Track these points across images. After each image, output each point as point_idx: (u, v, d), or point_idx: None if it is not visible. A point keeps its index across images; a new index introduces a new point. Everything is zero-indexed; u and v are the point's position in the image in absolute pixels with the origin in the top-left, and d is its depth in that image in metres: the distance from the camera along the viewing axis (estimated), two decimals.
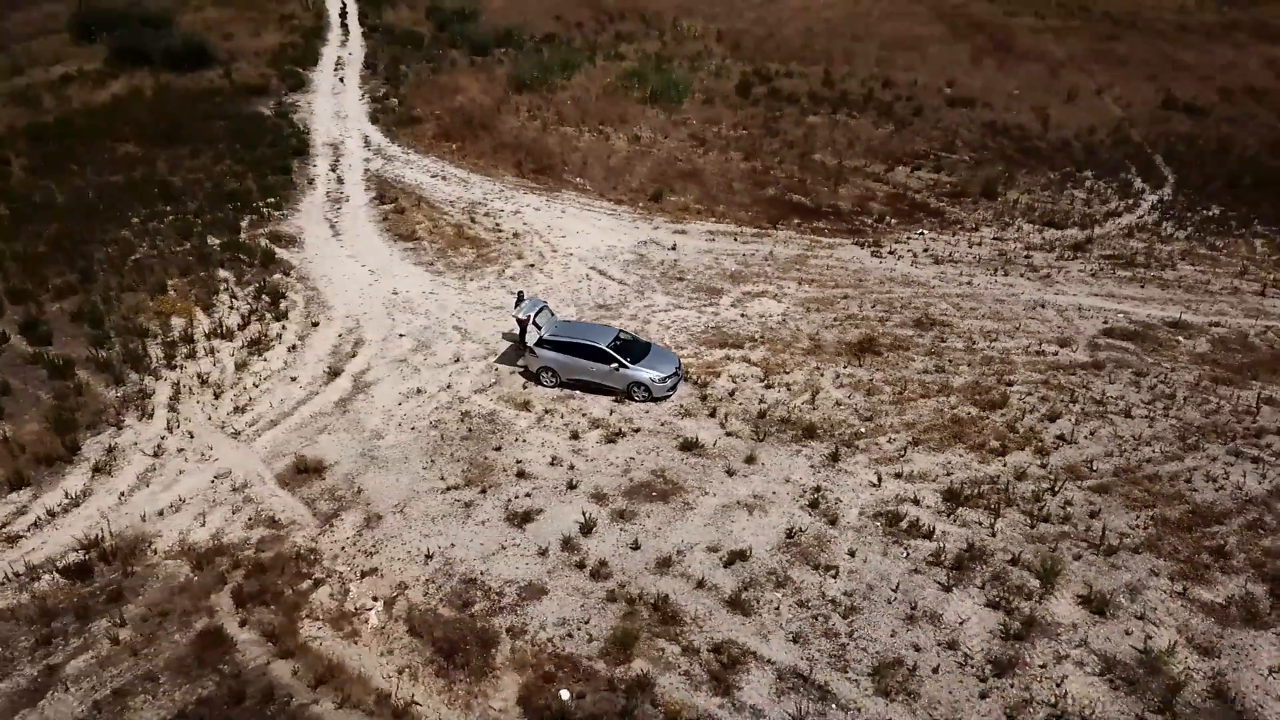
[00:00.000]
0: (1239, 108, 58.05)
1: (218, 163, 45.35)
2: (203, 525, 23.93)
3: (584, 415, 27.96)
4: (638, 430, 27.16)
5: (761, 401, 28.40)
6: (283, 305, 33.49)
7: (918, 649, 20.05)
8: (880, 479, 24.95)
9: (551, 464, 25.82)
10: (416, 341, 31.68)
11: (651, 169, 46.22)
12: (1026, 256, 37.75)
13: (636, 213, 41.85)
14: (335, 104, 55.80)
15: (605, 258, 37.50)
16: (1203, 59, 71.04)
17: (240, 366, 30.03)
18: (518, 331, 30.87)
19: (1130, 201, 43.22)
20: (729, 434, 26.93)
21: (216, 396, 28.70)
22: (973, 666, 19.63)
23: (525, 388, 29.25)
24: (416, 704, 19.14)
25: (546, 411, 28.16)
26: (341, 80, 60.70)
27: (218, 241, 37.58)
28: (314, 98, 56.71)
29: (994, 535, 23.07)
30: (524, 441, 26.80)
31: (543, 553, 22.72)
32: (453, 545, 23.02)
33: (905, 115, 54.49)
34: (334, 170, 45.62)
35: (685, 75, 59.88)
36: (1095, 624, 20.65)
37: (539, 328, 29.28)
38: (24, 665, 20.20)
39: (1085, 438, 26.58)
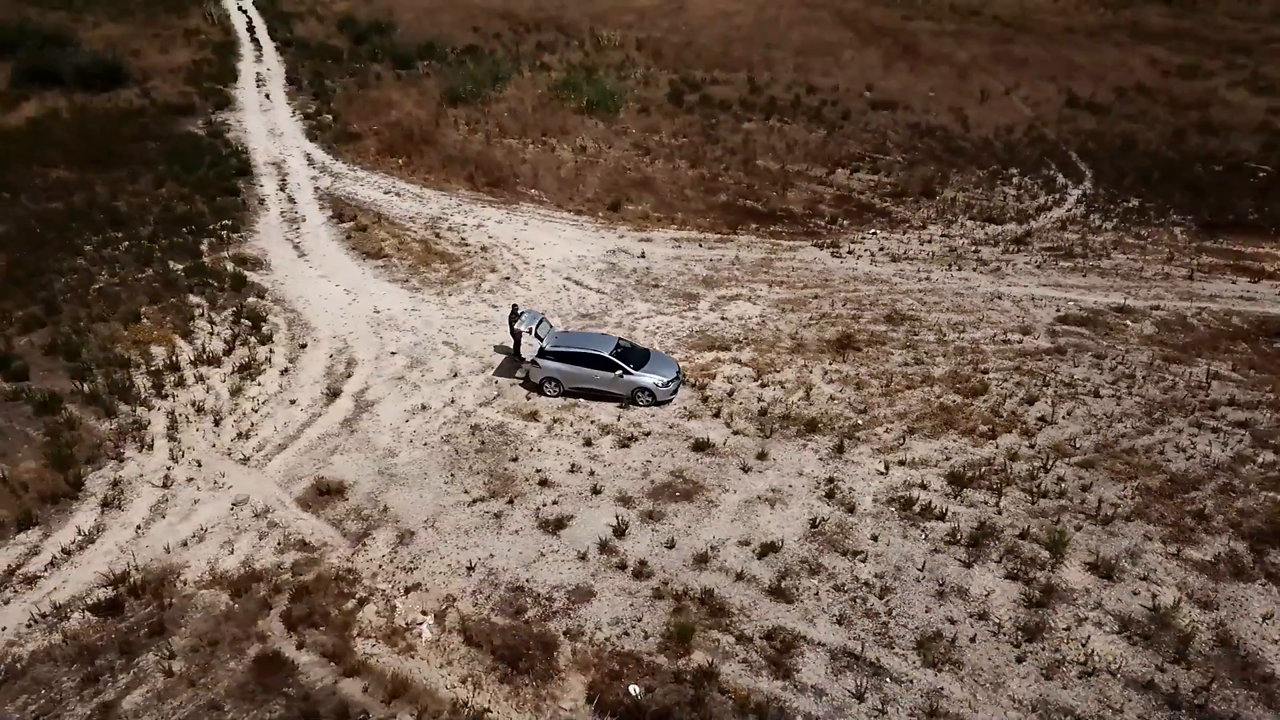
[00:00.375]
0: (1134, 105, 62.31)
1: (160, 186, 44.36)
2: (231, 553, 23.84)
3: (592, 422, 28.74)
4: (648, 434, 28.10)
5: (760, 400, 29.67)
6: (265, 329, 33.24)
7: (952, 622, 21.56)
8: (887, 467, 26.49)
9: (571, 471, 26.52)
10: (410, 359, 31.91)
11: (603, 179, 47.16)
12: (975, 251, 40.08)
13: (598, 222, 42.73)
14: (267, 121, 54.97)
15: (578, 268, 38.27)
16: (1092, 59, 75.80)
17: (235, 392, 29.79)
18: (512, 344, 31.46)
19: (1057, 196, 46.17)
20: (736, 433, 28.09)
21: (217, 423, 28.44)
22: (1005, 634, 21.25)
23: (529, 398, 29.85)
24: (488, 711, 19.64)
25: (555, 421, 28.83)
26: (267, 97, 59.75)
27: (181, 267, 36.93)
28: (243, 115, 55.73)
29: (1000, 513, 24.83)
30: (539, 451, 27.43)
31: (582, 557, 23.46)
32: (491, 556, 23.54)
33: (834, 119, 56.78)
34: (283, 190, 45.14)
35: (618, 85, 60.86)
36: (1105, 588, 22.53)
37: (540, 339, 29.89)
38: (74, 705, 19.98)
39: (1063, 418, 28.71)
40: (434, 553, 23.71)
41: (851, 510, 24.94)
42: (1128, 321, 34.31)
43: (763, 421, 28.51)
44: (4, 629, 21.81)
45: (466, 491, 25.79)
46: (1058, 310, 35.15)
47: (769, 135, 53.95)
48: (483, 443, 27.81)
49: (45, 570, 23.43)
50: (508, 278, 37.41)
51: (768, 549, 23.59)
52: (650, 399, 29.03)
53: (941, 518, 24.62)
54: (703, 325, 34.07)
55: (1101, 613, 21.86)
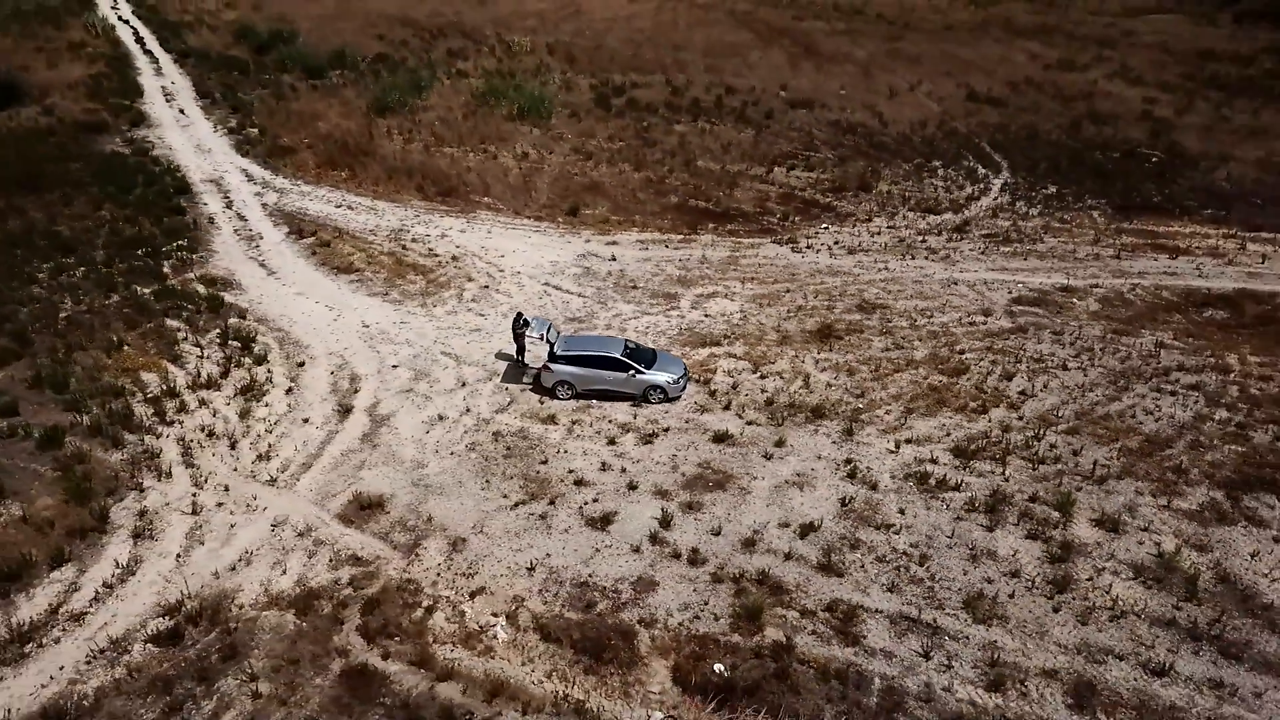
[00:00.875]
0: (1027, 98, 66.82)
1: (99, 208, 42.94)
2: (283, 573, 23.96)
3: (610, 422, 29.77)
4: (667, 430, 29.33)
5: (763, 391, 31.28)
6: (257, 349, 32.95)
7: (990, 581, 23.63)
8: (897, 446, 28.47)
9: (603, 469, 27.53)
10: (413, 371, 32.21)
11: (552, 185, 48.00)
12: (923, 241, 42.75)
13: (560, 228, 43.60)
14: (189, 137, 53.56)
15: (553, 273, 39.11)
16: (979, 55, 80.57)
17: (244, 414, 29.58)
18: (515, 350, 32.10)
19: (981, 186, 49.46)
20: (750, 423, 29.61)
21: (233, 447, 28.25)
22: (1038, 588, 23.44)
23: (543, 403, 30.65)
24: (584, 702, 20.57)
25: (574, 423, 29.74)
26: (182, 112, 58.09)
27: (148, 290, 36.10)
28: (163, 132, 54.13)
29: (1008, 480, 27.12)
30: (565, 452, 28.32)
31: (636, 549, 24.55)
32: (548, 555, 24.37)
33: (759, 119, 58.99)
34: (229, 207, 44.34)
35: (545, 91, 61.57)
36: (1113, 540, 25.02)
37: (551, 344, 30.73)
38: None
39: (1041, 391, 31.34)
40: (490, 557, 24.37)
41: (874, 488, 26.78)
42: (1074, 300, 37.41)
43: (771, 411, 30.12)
44: (62, 668, 21.45)
45: (505, 496, 26.48)
46: (1010, 292, 38.00)
47: (702, 137, 55.69)
48: (508, 448, 28.49)
49: (90, 606, 23.07)
50: (486, 286, 37.94)
51: (807, 529, 25.16)
52: (663, 396, 30.26)
53: (957, 488, 26.70)
54: (689, 323, 35.46)
55: (1115, 562, 24.28)
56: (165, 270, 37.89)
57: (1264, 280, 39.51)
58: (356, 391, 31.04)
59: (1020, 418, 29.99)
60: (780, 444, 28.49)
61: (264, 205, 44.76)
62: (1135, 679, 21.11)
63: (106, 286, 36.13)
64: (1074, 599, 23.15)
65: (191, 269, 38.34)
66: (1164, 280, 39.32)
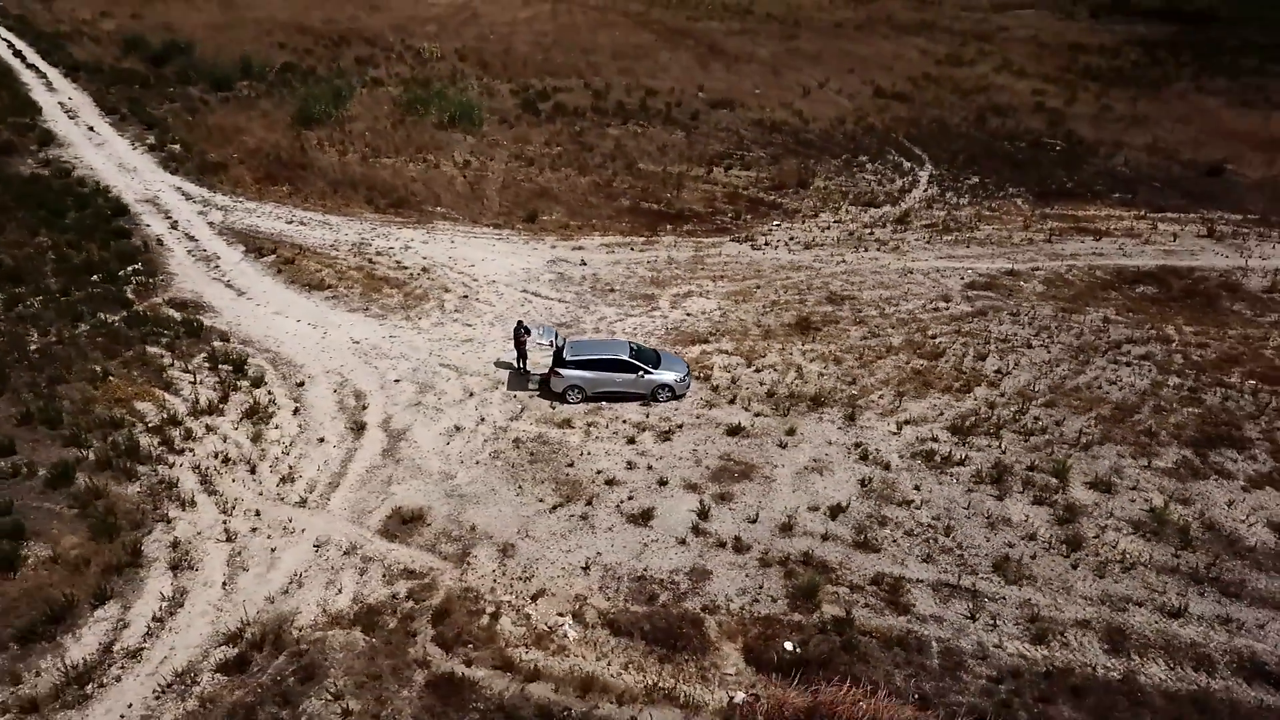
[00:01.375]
0: (929, 92, 70.64)
1: (34, 234, 41.21)
2: (339, 592, 24.14)
3: (624, 421, 30.77)
4: (681, 426, 30.53)
5: (761, 384, 32.82)
6: (251, 372, 32.53)
7: (1011, 545, 25.76)
8: (899, 427, 30.45)
9: (629, 468, 28.53)
10: (416, 384, 32.42)
11: (502, 192, 48.47)
12: (870, 233, 45.14)
13: (522, 235, 44.16)
14: (108, 156, 51.64)
15: (528, 280, 39.73)
16: (875, 52, 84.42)
17: (256, 438, 29.31)
18: (515, 358, 32.66)
19: (910, 179, 52.34)
20: (758, 415, 31.09)
21: (253, 471, 28.02)
22: (1055, 549, 25.68)
23: (554, 408, 31.37)
24: (664, 689, 21.64)
25: (589, 425, 30.61)
26: (91, 129, 55.84)
27: (116, 318, 35.09)
28: (78, 151, 51.99)
29: (1005, 453, 29.40)
30: (588, 454, 29.19)
31: (682, 542, 25.70)
32: (599, 554, 25.27)
33: (685, 121, 60.62)
34: (175, 228, 43.18)
35: (471, 98, 61.61)
36: (1109, 500, 27.56)
37: (559, 350, 31.50)
38: None
39: (1014, 369, 33.88)
40: (542, 559, 25.09)
41: (887, 468, 28.64)
42: (1021, 283, 40.31)
43: (774, 402, 31.65)
44: (131, 705, 21.23)
45: (541, 500, 27.19)
46: (962, 279, 40.65)
47: (636, 139, 56.96)
48: (532, 454, 29.16)
49: (145, 641, 22.78)
50: (466, 296, 38.27)
51: (836, 510, 26.80)
52: (670, 394, 31.42)
53: (961, 463, 28.82)
54: (672, 322, 36.71)
55: (1115, 520, 26.79)
56: (129, 295, 36.78)
57: (1179, 257, 43.38)
58: (365, 408, 31.08)
59: (1002, 394, 32.40)
60: (791, 433, 30.04)
61: (211, 224, 43.76)
62: (1156, 622, 23.49)
63: (72, 316, 34.91)
64: (1088, 555, 25.46)
65: (156, 293, 37.37)
66: (1095, 261, 42.74)
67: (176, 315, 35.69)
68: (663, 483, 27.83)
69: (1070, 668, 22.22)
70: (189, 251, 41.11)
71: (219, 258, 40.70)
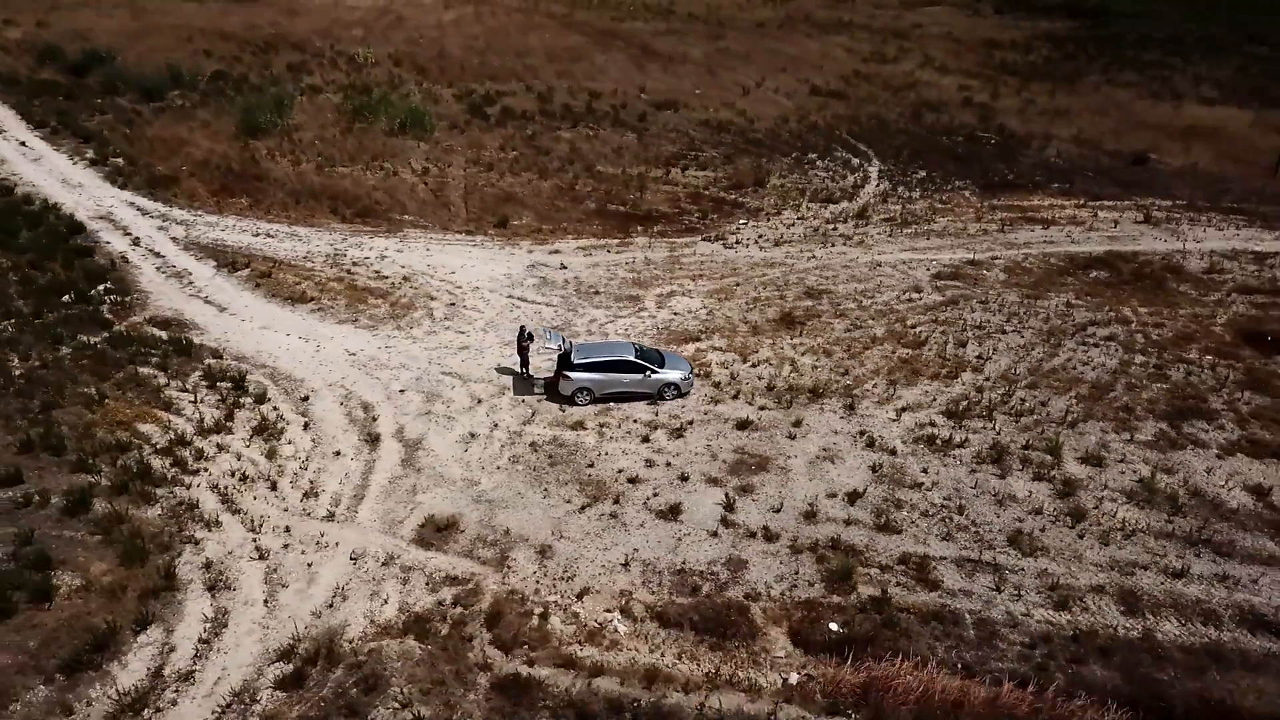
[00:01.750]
0: (861, 90, 72.97)
1: None
2: (385, 603, 24.36)
3: (635, 421, 31.53)
4: (691, 423, 31.43)
5: (759, 378, 33.95)
6: (251, 388, 32.26)
7: (1020, 520, 27.38)
8: (898, 414, 31.93)
9: (649, 465, 29.32)
10: (422, 394, 32.57)
11: (467, 199, 48.63)
12: (833, 229, 46.76)
13: (496, 241, 44.46)
14: (47, 171, 50.02)
15: (512, 285, 40.10)
16: (803, 51, 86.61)
17: (270, 455, 29.16)
18: (518, 363, 33.35)
19: (860, 174, 54.23)
20: (762, 408, 32.20)
21: (274, 488, 27.92)
22: (1060, 520, 27.40)
23: (564, 410, 31.92)
24: (724, 676, 22.56)
25: (601, 426, 31.27)
26: (23, 144, 53.92)
27: (98, 340, 34.33)
28: (15, 168, 50.19)
29: (999, 434, 31.11)
30: (606, 454, 29.86)
31: (714, 534, 26.62)
32: (635, 550, 26.01)
33: (633, 123, 61.51)
34: (138, 244, 42.22)
35: (418, 103, 61.33)
36: (1101, 473, 29.46)
37: (566, 353, 32.10)
38: None
39: (993, 354, 35.74)
40: (581, 558, 25.71)
41: (893, 453, 30.05)
42: (984, 271, 42.37)
43: (776, 395, 32.80)
44: None
45: (569, 501, 27.78)
46: (928, 269, 42.51)
47: (590, 142, 57.63)
48: (550, 457, 29.69)
49: (195, 663, 22.68)
50: (453, 304, 38.45)
51: (854, 496, 28.08)
52: (676, 392, 32.30)
53: (961, 445, 30.41)
54: (661, 322, 37.57)
55: (1110, 491, 28.68)
56: (106, 315, 35.96)
57: (1123, 242, 46.11)
58: (375, 419, 31.15)
59: (987, 379, 34.19)
60: (798, 424, 31.23)
61: (174, 240, 42.90)
62: (1162, 583, 25.34)
63: (52, 339, 33.99)
64: (1091, 526, 27.25)
65: (134, 312, 36.61)
66: (1047, 249, 45.14)
67: (161, 334, 35.06)
68: (684, 478, 28.69)
69: (1094, 630, 23.81)
70: (158, 268, 40.28)
71: (190, 274, 40.01)
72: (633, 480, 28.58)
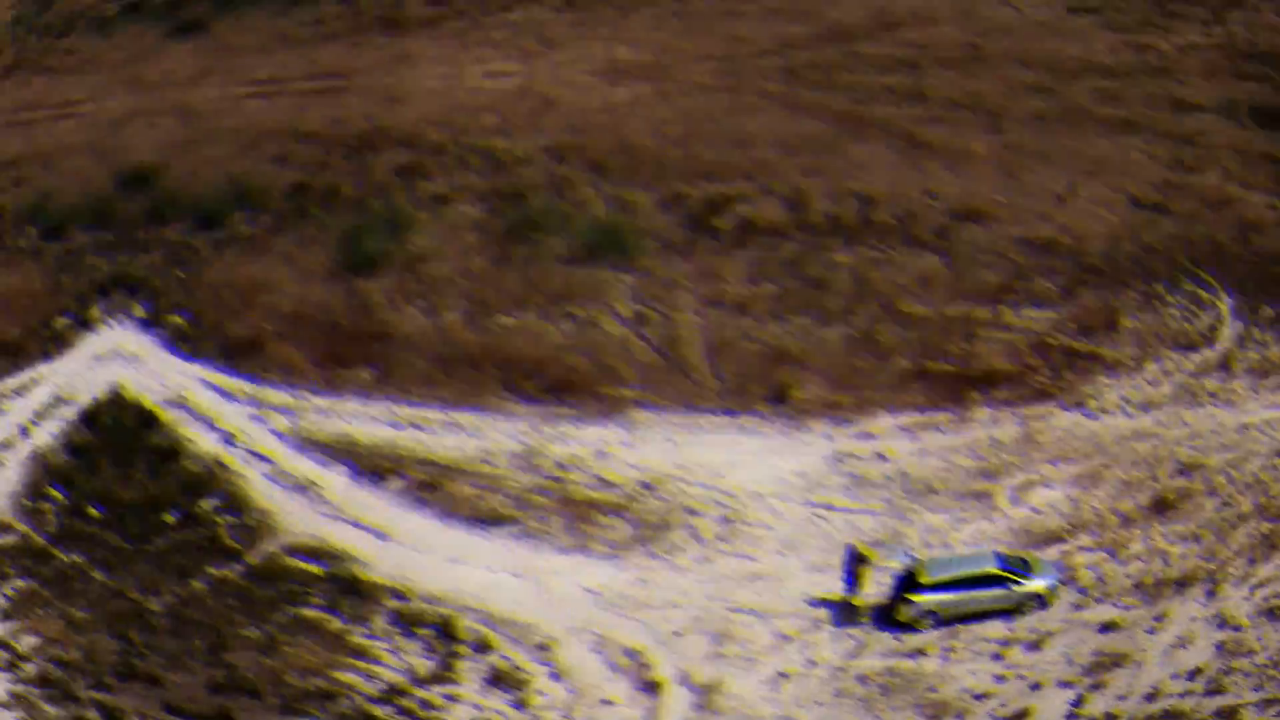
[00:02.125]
0: (1179, 203, 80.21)
1: None
2: None
3: (986, 640, 48.98)
4: (1050, 634, 48.81)
5: (1127, 576, 51.76)
6: (464, 635, 47.18)
7: None
8: (1252, 591, 50.93)
9: (999, 680, 47.13)
10: (707, 635, 47.56)
11: (717, 358, 61.41)
12: (1199, 383, 63.64)
13: (774, 422, 58.41)
14: (96, 341, 64.31)
15: (808, 488, 55.07)
16: (1101, 153, 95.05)
17: (523, 704, 44.62)
18: (846, 588, 48.96)
19: (1214, 313, 67.96)
20: (1128, 608, 50.17)
21: None
22: None
23: (899, 639, 48.82)
24: None
25: (947, 650, 48.17)
26: None
27: (234, 574, 49.50)
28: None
29: None
30: (950, 676, 47.09)
31: None
32: None
33: (931, 240, 72.84)
34: (233, 443, 56.15)
35: (610, 217, 71.56)
36: None
37: (911, 573, 49.43)
38: None
39: None
40: None
41: (1237, 629, 48.71)
42: None
43: (1143, 592, 50.17)
44: None
45: None
46: None
47: (880, 269, 69.36)
48: (882, 687, 46.24)
49: None
50: (728, 520, 52.77)
51: (1195, 672, 46.65)
52: (1040, 604, 49.46)
53: None
54: (1018, 523, 54.55)
55: None
56: (229, 542, 51.37)
57: None
58: (648, 666, 46.22)
59: None
60: (1160, 619, 48.41)
61: (279, 435, 57.32)
62: None
63: (177, 571, 49.28)
64: None
65: (262, 538, 51.98)
66: None
67: (313, 568, 50.37)
68: (1036, 686, 46.45)
69: None
70: (268, 476, 54.98)
71: (318, 485, 54.54)
72: (980, 696, 45.63)
